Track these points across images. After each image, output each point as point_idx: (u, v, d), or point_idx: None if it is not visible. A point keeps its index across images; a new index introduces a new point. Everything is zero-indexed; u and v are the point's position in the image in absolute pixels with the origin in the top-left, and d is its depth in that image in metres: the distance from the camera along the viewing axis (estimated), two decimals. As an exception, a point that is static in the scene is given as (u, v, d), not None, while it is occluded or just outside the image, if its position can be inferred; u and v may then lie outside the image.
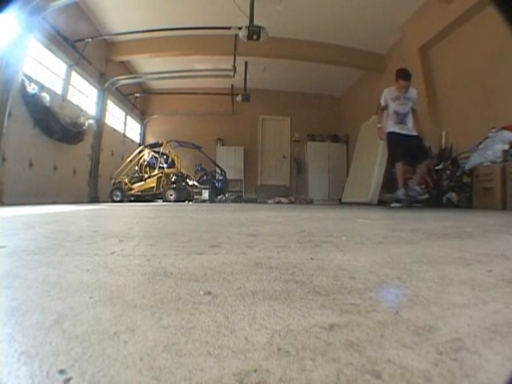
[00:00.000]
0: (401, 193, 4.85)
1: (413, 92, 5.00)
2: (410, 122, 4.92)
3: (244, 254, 0.89)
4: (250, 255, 0.89)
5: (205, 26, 7.03)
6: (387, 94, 5.05)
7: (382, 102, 5.12)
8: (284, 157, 11.42)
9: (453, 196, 5.25)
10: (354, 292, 0.56)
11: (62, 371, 0.31)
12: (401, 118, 4.93)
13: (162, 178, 8.61)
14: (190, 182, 9.14)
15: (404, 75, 4.91)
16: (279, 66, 8.82)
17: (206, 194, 8.71)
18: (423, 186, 5.06)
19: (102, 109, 8.10)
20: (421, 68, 6.60)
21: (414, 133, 4.87)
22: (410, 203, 4.84)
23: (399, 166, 4.84)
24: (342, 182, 9.23)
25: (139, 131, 11.17)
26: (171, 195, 8.40)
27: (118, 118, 9.51)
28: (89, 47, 6.86)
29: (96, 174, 7.92)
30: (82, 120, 6.94)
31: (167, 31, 7.22)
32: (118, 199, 8.09)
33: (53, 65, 6.36)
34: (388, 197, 5.64)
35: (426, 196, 4.82)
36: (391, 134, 4.94)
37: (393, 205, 5.08)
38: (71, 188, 6.88)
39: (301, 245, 1.09)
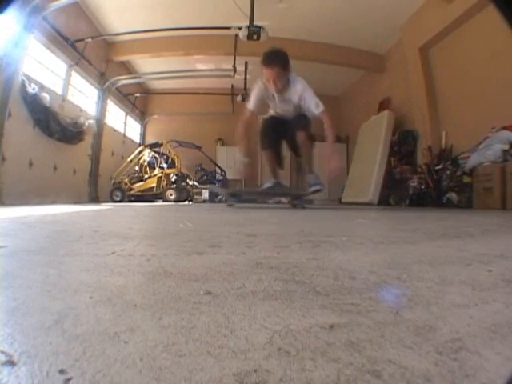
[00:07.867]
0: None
1: (295, 86, 3.20)
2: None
3: (244, 254, 0.89)
4: (250, 255, 0.88)
5: (205, 26, 7.03)
6: (258, 91, 3.33)
7: (251, 105, 3.33)
8: (284, 157, 11.38)
9: (453, 196, 5.24)
10: (354, 292, 0.56)
11: (62, 371, 0.31)
12: None
13: (162, 178, 8.60)
14: (190, 182, 9.13)
15: (267, 59, 3.04)
16: (279, 66, 8.81)
17: (205, 194, 8.70)
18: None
19: (102, 109, 8.10)
20: (421, 68, 6.60)
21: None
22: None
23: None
24: (342, 182, 9.22)
25: (139, 131, 11.16)
26: (171, 195, 8.40)
27: (118, 118, 9.50)
28: (89, 47, 6.86)
29: (96, 174, 7.91)
30: (81, 120, 6.93)
31: (167, 31, 7.22)
32: (118, 199, 8.09)
33: (53, 65, 6.35)
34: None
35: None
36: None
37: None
38: (71, 188, 6.88)
39: (301, 245, 1.09)
